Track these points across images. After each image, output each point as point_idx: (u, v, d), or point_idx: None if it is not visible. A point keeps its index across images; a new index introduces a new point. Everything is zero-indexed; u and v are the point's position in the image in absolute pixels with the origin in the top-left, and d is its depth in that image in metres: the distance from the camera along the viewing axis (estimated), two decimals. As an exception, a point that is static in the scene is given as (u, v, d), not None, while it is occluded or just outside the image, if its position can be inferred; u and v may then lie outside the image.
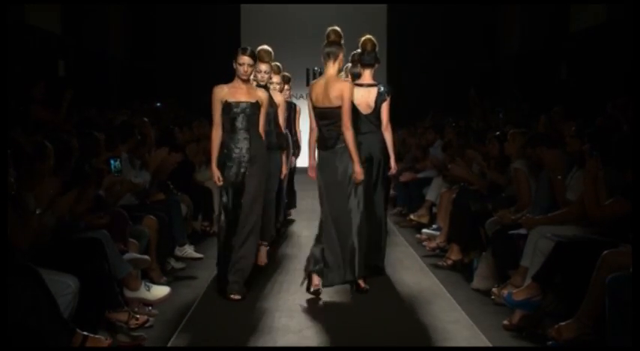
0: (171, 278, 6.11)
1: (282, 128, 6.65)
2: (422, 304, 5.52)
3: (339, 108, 5.63)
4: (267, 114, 5.98)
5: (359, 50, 6.29)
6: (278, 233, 7.95)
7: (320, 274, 5.72)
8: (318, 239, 5.87)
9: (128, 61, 15.26)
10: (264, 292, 5.80)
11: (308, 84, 15.37)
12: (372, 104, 6.15)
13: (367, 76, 6.26)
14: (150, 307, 5.07)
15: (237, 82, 5.70)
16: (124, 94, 14.16)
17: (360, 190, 5.76)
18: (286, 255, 7.29)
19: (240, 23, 15.86)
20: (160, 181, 6.79)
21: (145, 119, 7.60)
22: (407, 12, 15.49)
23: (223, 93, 5.68)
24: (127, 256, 4.97)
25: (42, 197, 4.23)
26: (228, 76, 5.78)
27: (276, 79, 6.75)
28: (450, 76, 15.27)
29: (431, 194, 8.39)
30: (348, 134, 5.62)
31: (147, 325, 4.65)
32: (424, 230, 7.84)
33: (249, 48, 5.72)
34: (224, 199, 5.69)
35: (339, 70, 5.82)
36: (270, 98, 6.07)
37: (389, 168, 6.27)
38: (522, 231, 5.32)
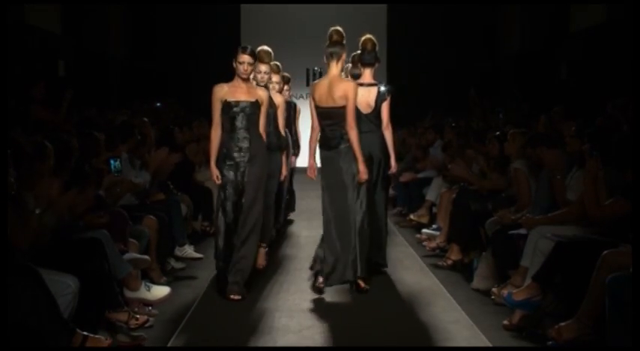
0: (171, 278, 6.11)
1: (282, 129, 6.64)
2: (422, 304, 5.52)
3: (343, 108, 5.65)
4: (267, 114, 5.97)
5: (359, 51, 6.31)
6: (278, 233, 7.94)
7: (322, 274, 5.77)
8: (323, 239, 5.91)
9: (128, 61, 15.26)
10: (264, 293, 5.80)
11: (308, 84, 15.38)
12: (373, 103, 6.16)
13: (367, 75, 6.28)
14: (150, 307, 5.07)
15: (237, 81, 5.70)
16: (124, 94, 14.16)
17: (363, 190, 5.78)
18: (286, 255, 7.29)
19: (240, 23, 15.86)
20: (160, 181, 6.79)
21: (145, 119, 7.60)
22: (407, 12, 15.49)
23: (223, 92, 5.68)
24: (127, 256, 4.97)
25: (42, 197, 4.23)
26: (229, 76, 5.78)
27: (275, 78, 6.75)
28: (450, 76, 15.27)
29: (431, 194, 8.39)
30: (353, 134, 5.65)
31: (147, 325, 4.65)
32: (424, 230, 7.84)
33: (249, 47, 5.72)
34: (222, 198, 5.69)
35: (342, 70, 5.85)
36: (270, 99, 6.07)
37: (389, 167, 6.29)
38: (522, 231, 5.32)
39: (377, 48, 6.29)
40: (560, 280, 4.55)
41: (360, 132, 5.95)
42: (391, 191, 8.68)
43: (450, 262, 6.62)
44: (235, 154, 5.66)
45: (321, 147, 5.91)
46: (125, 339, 4.53)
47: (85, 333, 3.86)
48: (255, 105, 5.68)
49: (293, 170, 8.44)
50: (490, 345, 4.60)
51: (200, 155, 8.38)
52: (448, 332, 4.85)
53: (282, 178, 6.74)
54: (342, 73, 6.02)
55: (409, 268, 6.71)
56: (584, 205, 4.68)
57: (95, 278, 4.29)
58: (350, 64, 6.47)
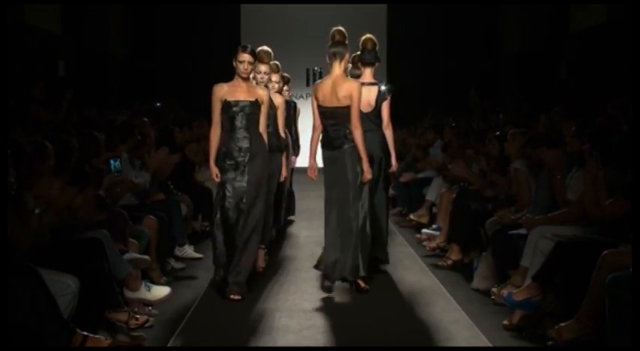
0: (171, 278, 6.11)
1: (282, 130, 6.63)
2: (422, 304, 5.52)
3: (348, 107, 5.67)
4: (268, 115, 5.97)
5: (359, 52, 6.32)
6: (278, 234, 7.94)
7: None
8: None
9: (128, 61, 15.27)
10: (264, 293, 5.79)
11: (308, 84, 15.40)
12: (373, 103, 6.18)
13: (368, 74, 6.30)
14: (150, 308, 5.07)
15: (237, 81, 5.70)
16: (124, 94, 14.16)
17: (366, 189, 5.82)
18: (286, 256, 7.28)
19: (240, 23, 15.87)
20: (160, 181, 6.79)
21: (145, 119, 7.60)
22: (407, 12, 15.50)
23: (223, 92, 5.67)
24: (127, 256, 4.97)
25: (42, 197, 4.22)
26: (228, 76, 5.78)
27: (275, 78, 6.74)
28: (450, 76, 15.28)
29: (431, 194, 8.39)
30: (357, 134, 5.66)
31: (147, 325, 4.65)
32: (424, 230, 7.84)
33: (249, 46, 5.72)
34: (220, 197, 5.67)
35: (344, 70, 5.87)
36: (270, 99, 6.06)
37: (390, 166, 6.31)
38: (522, 231, 5.32)
39: (377, 47, 6.32)
40: (560, 280, 4.55)
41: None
42: (391, 191, 8.68)
43: (450, 262, 6.62)
44: (235, 154, 5.65)
45: (323, 147, 5.92)
46: (125, 339, 4.53)
47: (85, 333, 3.86)
48: (255, 104, 5.67)
49: (293, 170, 8.44)
50: (490, 345, 4.60)
51: (200, 155, 8.38)
52: (448, 332, 4.85)
53: (283, 179, 6.72)
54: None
55: (409, 268, 6.71)
56: (584, 205, 4.68)
57: (95, 278, 4.29)
58: (350, 65, 6.47)
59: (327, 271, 5.81)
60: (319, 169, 6.05)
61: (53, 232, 4.44)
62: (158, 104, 12.13)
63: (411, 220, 8.50)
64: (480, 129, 8.77)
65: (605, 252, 4.11)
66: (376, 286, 5.96)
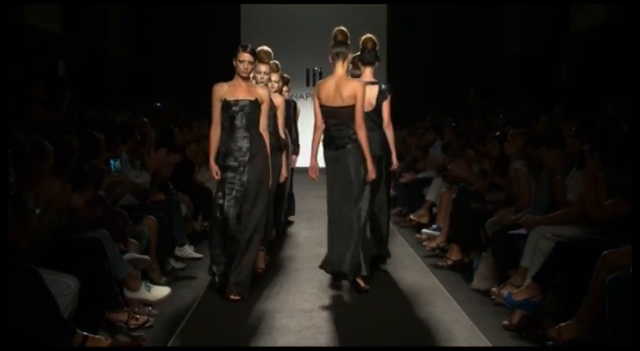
0: (171, 278, 6.11)
1: (282, 130, 6.63)
2: (422, 305, 5.52)
3: (352, 107, 5.69)
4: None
5: (358, 52, 6.33)
6: (278, 234, 7.93)
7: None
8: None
9: (128, 61, 15.27)
10: (264, 293, 5.79)
11: (308, 84, 15.41)
12: (374, 102, 6.20)
13: (368, 74, 6.32)
14: (150, 308, 5.06)
15: (237, 80, 5.70)
16: (124, 94, 14.17)
17: (367, 189, 5.83)
18: (286, 256, 7.28)
19: (240, 23, 15.86)
20: (160, 181, 6.78)
21: (145, 119, 7.60)
22: (407, 12, 15.50)
23: (223, 91, 5.67)
24: (127, 256, 4.96)
25: (42, 197, 4.22)
26: (228, 76, 5.77)
27: (274, 77, 6.74)
28: (450, 76, 15.27)
29: (431, 194, 8.39)
30: (362, 133, 5.69)
31: (147, 325, 4.64)
32: (424, 230, 7.84)
33: (249, 45, 5.72)
34: (220, 198, 5.67)
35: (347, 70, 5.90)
36: (270, 99, 6.06)
37: (390, 164, 6.33)
38: (522, 231, 5.32)
39: (377, 47, 6.34)
40: (560, 280, 4.55)
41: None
42: (391, 191, 8.67)
43: (450, 262, 6.62)
44: (236, 154, 5.64)
45: (326, 146, 5.93)
46: (125, 339, 4.53)
47: (85, 333, 3.86)
48: (255, 104, 5.66)
49: (293, 170, 8.44)
50: (490, 345, 4.60)
51: (200, 155, 8.38)
52: (448, 332, 4.85)
53: (283, 179, 6.72)
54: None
55: (409, 269, 6.71)
56: (584, 205, 4.68)
57: (95, 278, 4.28)
58: (350, 65, 6.48)
59: (332, 269, 5.86)
60: (320, 169, 6.05)
61: (53, 232, 4.44)
62: (158, 104, 12.13)
63: (411, 220, 8.50)
64: (480, 129, 8.77)
65: (605, 252, 4.11)
66: (376, 286, 5.96)
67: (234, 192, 5.64)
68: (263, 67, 6.14)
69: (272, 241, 7.35)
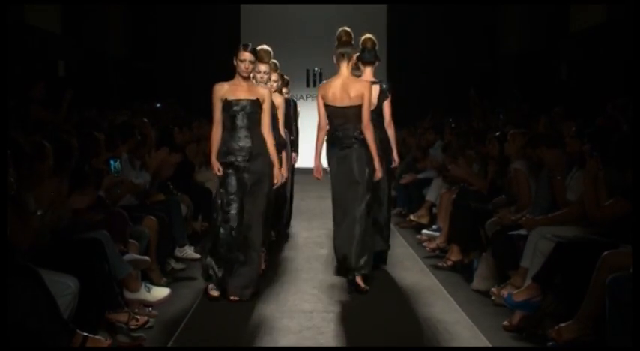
0: (171, 279, 6.11)
1: (282, 130, 6.63)
2: (422, 305, 5.52)
3: (359, 107, 5.72)
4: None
5: (358, 53, 6.34)
6: (278, 235, 7.93)
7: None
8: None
9: (128, 61, 15.26)
10: (264, 293, 5.79)
11: (308, 84, 15.41)
12: (375, 101, 6.23)
13: (368, 73, 6.35)
14: (150, 308, 5.06)
15: (237, 80, 5.69)
16: (124, 95, 14.16)
17: (370, 188, 5.84)
18: (286, 256, 7.28)
19: (240, 23, 15.86)
20: (160, 181, 6.78)
21: (145, 120, 7.60)
22: (407, 12, 15.50)
23: (223, 90, 5.66)
24: (127, 256, 4.97)
25: (42, 197, 4.22)
26: (229, 76, 5.77)
27: (273, 76, 6.74)
28: (450, 76, 15.27)
29: (431, 195, 8.38)
30: (369, 133, 5.73)
31: (147, 325, 4.64)
32: (424, 231, 7.84)
33: (250, 44, 5.72)
34: (220, 197, 5.66)
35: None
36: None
37: (391, 162, 6.36)
38: (522, 231, 5.32)
39: (377, 47, 6.37)
40: (560, 281, 4.54)
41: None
42: (392, 192, 8.68)
43: (450, 262, 6.62)
44: (237, 154, 5.63)
45: (331, 146, 5.94)
46: (125, 339, 4.53)
47: (85, 333, 3.85)
48: (256, 103, 5.65)
49: (293, 171, 8.43)
50: (490, 345, 4.60)
51: (200, 156, 8.38)
52: (448, 333, 4.85)
53: (283, 179, 6.71)
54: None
55: (409, 269, 6.71)
56: (584, 205, 4.68)
57: (95, 279, 4.29)
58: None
59: (339, 267, 5.90)
60: (324, 170, 6.07)
61: (53, 233, 4.44)
62: (158, 104, 12.13)
63: (411, 220, 8.50)
64: (480, 129, 8.77)
65: (605, 252, 4.11)
66: (376, 286, 5.96)
67: (234, 192, 5.63)
68: (263, 67, 6.14)
69: (272, 241, 7.35)
